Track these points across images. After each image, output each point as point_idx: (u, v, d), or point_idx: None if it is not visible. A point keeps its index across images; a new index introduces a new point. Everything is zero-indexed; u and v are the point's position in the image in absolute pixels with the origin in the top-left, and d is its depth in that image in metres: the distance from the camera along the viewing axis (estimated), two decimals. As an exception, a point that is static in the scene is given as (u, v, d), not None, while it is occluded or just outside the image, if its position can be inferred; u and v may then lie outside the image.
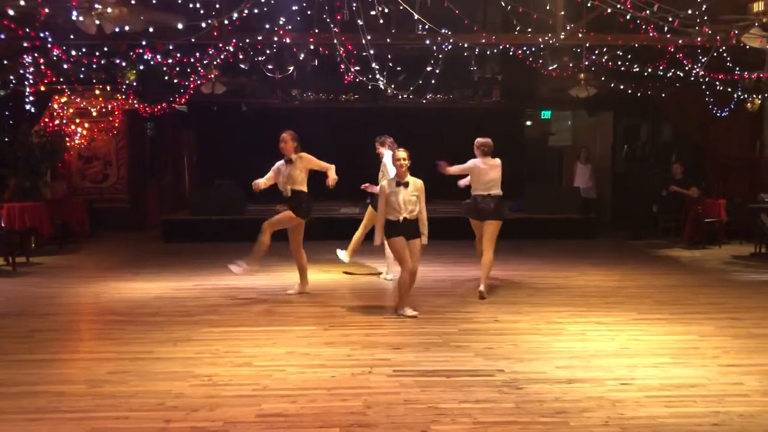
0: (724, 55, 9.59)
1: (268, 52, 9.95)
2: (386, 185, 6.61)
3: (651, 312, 6.83)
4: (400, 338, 5.86)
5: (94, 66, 10.03)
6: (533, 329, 6.19)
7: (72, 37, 8.27)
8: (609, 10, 7.92)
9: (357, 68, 9.50)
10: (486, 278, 7.49)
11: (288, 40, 9.09)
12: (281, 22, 8.65)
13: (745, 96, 11.13)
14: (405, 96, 10.63)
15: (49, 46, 8.66)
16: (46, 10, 7.48)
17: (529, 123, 17.52)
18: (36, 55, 9.20)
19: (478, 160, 7.59)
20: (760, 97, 11.13)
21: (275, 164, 7.47)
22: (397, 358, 5.30)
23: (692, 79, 10.44)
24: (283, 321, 6.52)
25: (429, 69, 9.69)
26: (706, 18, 8.07)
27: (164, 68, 9.74)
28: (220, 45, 9.41)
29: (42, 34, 8.26)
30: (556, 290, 7.97)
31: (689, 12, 7.66)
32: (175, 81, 10.59)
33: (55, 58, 9.12)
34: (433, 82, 9.96)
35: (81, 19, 6.73)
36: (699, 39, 8.83)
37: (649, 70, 10.21)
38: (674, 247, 11.36)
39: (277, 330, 6.17)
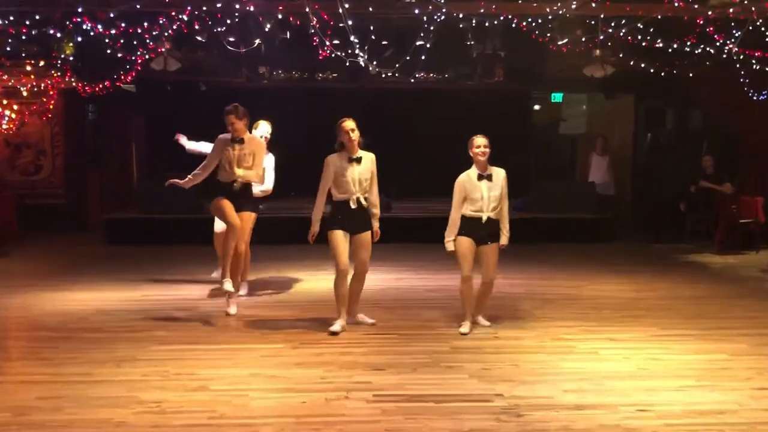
0: (762, 29, 9.68)
1: (229, 22, 9.92)
2: (465, 178, 6.60)
3: (674, 327, 6.90)
4: (383, 358, 5.89)
5: (24, 37, 9.95)
6: (537, 347, 6.25)
7: (-3, 2, 8.22)
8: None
9: (334, 42, 9.50)
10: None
11: (252, 9, 9.07)
12: (244, -13, 8.64)
13: (787, 77, 11.23)
14: (391, 74, 10.64)
15: (-30, 13, 8.59)
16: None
17: (536, 107, 17.59)
18: (-45, 24, 9.13)
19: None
20: (803, 78, 11.24)
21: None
22: (378, 380, 5.32)
23: (725, 56, 10.52)
24: (246, 338, 6.53)
25: (419, 43, 9.71)
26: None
27: (107, 40, 9.69)
28: (173, 13, 9.37)
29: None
30: (565, 302, 8.04)
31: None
32: (120, 55, 10.53)
33: (-23, 27, 9.06)
34: (423, 58, 9.98)
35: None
36: (731, 10, 8.91)
37: (675, 45, 10.28)
38: (704, 252, 11.46)
39: (238, 348, 6.17)
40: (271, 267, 9.70)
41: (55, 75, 12.42)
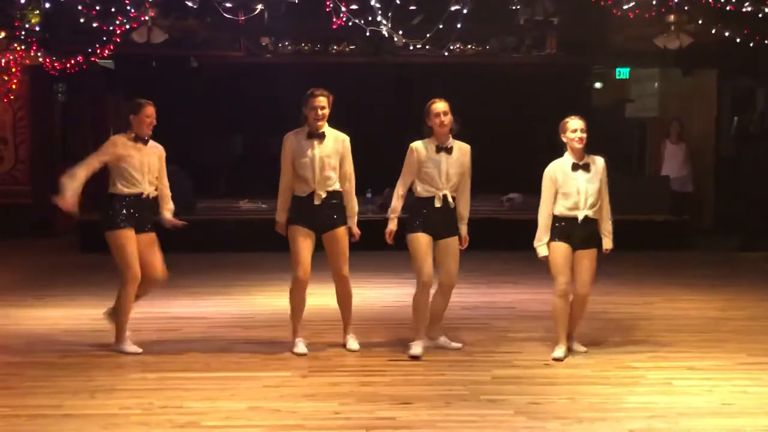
0: None
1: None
2: (556, 167, 6.62)
3: (767, 354, 6.84)
4: (410, 389, 5.89)
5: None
6: (598, 377, 6.23)
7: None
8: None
9: (352, 7, 9.52)
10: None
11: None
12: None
13: None
14: (420, 46, 10.64)
15: None
16: None
17: (597, 85, 17.52)
18: None
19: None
20: None
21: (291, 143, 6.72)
22: (404, 416, 5.32)
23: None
24: (246, 364, 6.56)
25: (453, 8, 9.71)
26: None
27: (79, 7, 9.78)
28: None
29: None
30: (632, 322, 8.00)
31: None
32: (96, 25, 10.62)
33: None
34: (458, 26, 9.97)
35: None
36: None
37: (767, 10, 10.19)
38: (803, 262, 11.38)
39: (236, 377, 6.20)
40: (275, 278, 9.71)
41: (18, 49, 12.53)
